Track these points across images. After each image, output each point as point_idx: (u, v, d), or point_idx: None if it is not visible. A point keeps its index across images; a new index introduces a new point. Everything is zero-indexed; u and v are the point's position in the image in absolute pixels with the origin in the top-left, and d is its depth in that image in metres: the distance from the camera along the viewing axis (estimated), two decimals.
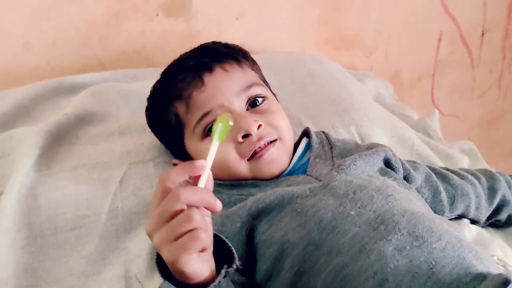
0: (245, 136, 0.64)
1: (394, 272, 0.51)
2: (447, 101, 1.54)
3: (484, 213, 0.76)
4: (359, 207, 0.58)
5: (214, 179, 0.66)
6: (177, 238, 0.42)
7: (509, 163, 1.69)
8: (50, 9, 1.00)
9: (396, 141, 0.88)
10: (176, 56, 0.74)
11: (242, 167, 0.65)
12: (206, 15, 1.13)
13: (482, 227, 0.78)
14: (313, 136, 0.72)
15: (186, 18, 1.11)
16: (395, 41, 1.38)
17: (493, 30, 1.47)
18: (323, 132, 0.75)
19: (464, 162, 0.93)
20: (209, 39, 0.75)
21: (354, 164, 0.65)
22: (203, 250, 0.44)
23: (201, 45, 0.72)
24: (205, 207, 0.45)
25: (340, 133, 0.83)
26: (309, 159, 0.69)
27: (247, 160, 0.65)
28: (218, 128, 0.47)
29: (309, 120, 0.85)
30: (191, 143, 0.68)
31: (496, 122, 1.64)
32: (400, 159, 0.72)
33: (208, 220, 0.46)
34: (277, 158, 0.66)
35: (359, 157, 0.66)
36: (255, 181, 0.66)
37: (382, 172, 0.67)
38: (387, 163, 0.69)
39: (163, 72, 0.73)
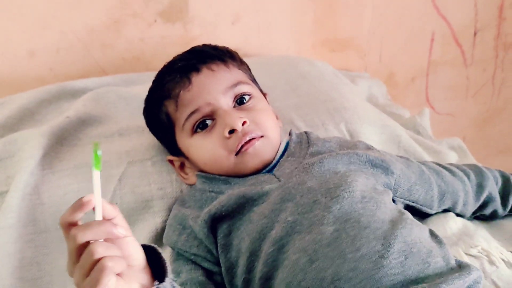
0: (232, 132, 0.66)
1: (300, 285, 0.52)
2: (441, 100, 1.56)
3: (470, 209, 0.78)
4: (298, 213, 0.59)
5: (199, 170, 0.69)
6: (87, 273, 0.43)
7: (505, 160, 1.70)
8: (53, 18, 1.03)
9: (385, 139, 0.91)
10: None
11: (230, 162, 0.67)
12: (203, 20, 1.16)
13: (468, 219, 0.80)
14: (293, 136, 0.74)
15: (183, 23, 1.15)
16: (388, 43, 1.41)
17: (485, 30, 1.49)
18: (306, 132, 0.76)
19: (452, 158, 0.95)
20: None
21: (320, 162, 0.65)
22: (119, 274, 0.45)
23: (191, 48, 0.76)
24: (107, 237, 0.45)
25: (330, 131, 0.86)
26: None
27: (235, 155, 0.67)
28: (92, 159, 0.46)
29: (300, 119, 0.88)
30: (182, 139, 0.72)
31: (491, 120, 1.66)
32: (391, 158, 0.71)
33: (125, 241, 0.47)
34: (261, 152, 0.68)
35: (330, 155, 0.67)
36: (228, 178, 0.68)
37: (355, 170, 0.66)
38: (374, 165, 0.68)
39: (156, 75, 0.76)
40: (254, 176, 0.68)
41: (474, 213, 0.80)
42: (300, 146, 0.72)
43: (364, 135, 0.88)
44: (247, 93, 0.71)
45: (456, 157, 0.96)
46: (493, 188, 0.79)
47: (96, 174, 0.47)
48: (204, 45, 0.77)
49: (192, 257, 0.65)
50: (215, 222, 0.63)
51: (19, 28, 1.02)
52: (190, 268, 0.64)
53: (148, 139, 0.82)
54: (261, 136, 0.68)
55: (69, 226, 0.46)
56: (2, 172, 0.75)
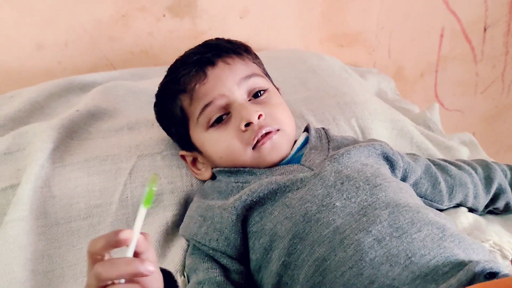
0: (247, 125, 0.66)
1: (370, 264, 0.52)
2: (450, 96, 1.56)
3: (482, 202, 0.78)
4: (344, 199, 0.59)
5: (215, 166, 0.68)
6: None
7: None
8: (61, 12, 1.03)
9: (396, 134, 0.90)
10: None
11: (247, 156, 0.67)
12: (211, 14, 1.16)
13: (481, 215, 0.80)
14: (312, 131, 0.74)
15: (192, 17, 1.14)
16: (397, 38, 1.40)
17: (495, 26, 1.48)
18: (323, 128, 0.77)
19: (463, 154, 0.94)
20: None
21: (348, 153, 0.66)
22: None
23: (204, 41, 0.75)
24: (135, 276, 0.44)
25: (341, 126, 0.86)
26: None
27: (252, 148, 0.67)
28: (145, 194, 0.45)
29: (310, 113, 0.88)
30: (196, 134, 0.71)
31: (500, 116, 1.65)
32: (399, 153, 0.73)
33: (150, 276, 0.45)
34: (279, 146, 0.68)
35: (354, 147, 0.67)
36: (252, 169, 0.68)
37: (377, 162, 0.68)
38: (386, 157, 0.70)
39: (169, 69, 0.76)
40: (281, 166, 0.67)
41: (487, 206, 0.80)
42: (320, 141, 0.72)
43: (375, 131, 0.88)
44: (262, 88, 0.71)
45: (468, 153, 0.95)
46: (502, 179, 0.79)
47: (143, 211, 0.45)
48: (217, 38, 0.76)
49: (211, 251, 0.64)
50: (245, 210, 0.62)
51: (27, 21, 1.02)
52: (207, 266, 0.63)
53: (158, 133, 0.82)
54: (278, 130, 0.68)
55: (95, 256, 0.45)
56: (13, 165, 0.75)
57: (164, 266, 0.69)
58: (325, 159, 0.66)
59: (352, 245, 0.54)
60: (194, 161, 0.75)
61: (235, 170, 0.69)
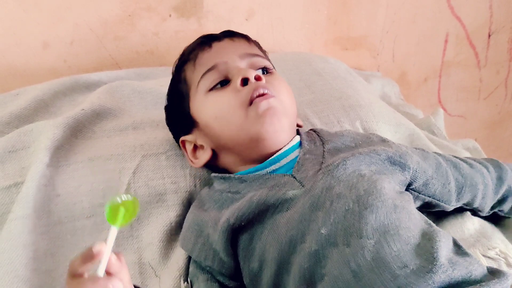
0: (245, 84, 0.65)
1: None
2: (453, 101, 1.55)
3: (489, 203, 0.75)
4: (331, 224, 0.55)
5: (213, 143, 0.68)
6: None
7: None
8: (68, 10, 1.03)
9: (399, 137, 0.90)
10: None
11: (242, 115, 0.64)
12: (217, 15, 1.16)
13: (484, 216, 0.78)
14: (303, 135, 0.70)
15: (198, 18, 1.15)
16: (401, 42, 1.40)
17: (500, 32, 1.48)
18: (313, 130, 0.74)
19: None
20: None
21: (344, 164, 0.61)
22: None
23: None
24: None
25: (346, 128, 0.86)
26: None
27: (249, 106, 0.64)
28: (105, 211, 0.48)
29: (316, 116, 0.88)
30: (195, 102, 0.70)
31: (503, 122, 1.65)
32: (407, 151, 0.68)
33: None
34: (277, 111, 0.64)
35: (352, 155, 0.63)
36: (242, 176, 0.66)
37: (379, 171, 0.63)
38: (393, 162, 0.65)
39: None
40: (272, 175, 0.64)
41: (492, 207, 0.77)
42: (314, 144, 0.68)
43: (380, 133, 0.87)
44: (268, 67, 0.71)
45: None
46: (511, 181, 0.76)
47: (114, 230, 0.48)
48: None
49: (208, 268, 0.63)
50: (234, 232, 0.60)
51: (33, 19, 1.02)
52: (206, 278, 0.63)
53: (163, 133, 0.82)
54: (275, 97, 0.65)
55: (74, 274, 0.48)
56: (17, 163, 0.75)
57: (167, 269, 0.70)
58: (319, 170, 0.62)
59: (331, 281, 0.51)
60: (195, 149, 0.73)
61: (227, 176, 0.67)
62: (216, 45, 0.70)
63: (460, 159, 0.76)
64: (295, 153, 0.66)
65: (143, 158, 0.78)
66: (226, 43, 0.71)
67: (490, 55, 1.51)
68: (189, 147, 0.74)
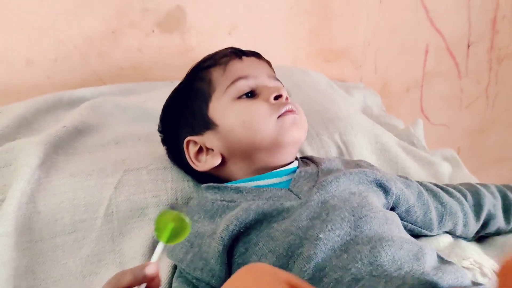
0: (276, 99, 0.70)
1: None
2: (436, 111, 1.58)
3: (471, 230, 0.78)
4: (328, 230, 0.57)
5: (226, 150, 0.70)
6: None
7: (499, 171, 1.72)
8: (51, 27, 1.04)
9: (378, 148, 0.92)
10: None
11: (271, 123, 0.68)
12: (200, 30, 1.17)
13: (470, 241, 0.80)
14: (299, 159, 0.75)
15: (181, 33, 1.16)
16: (383, 54, 1.43)
17: (479, 42, 1.52)
18: (306, 157, 0.78)
19: (445, 169, 0.96)
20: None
21: (337, 181, 0.66)
22: None
23: None
24: None
25: (324, 141, 0.87)
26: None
27: (277, 118, 0.68)
28: (169, 229, 0.47)
29: None
30: (219, 104, 0.71)
31: (485, 131, 1.68)
32: (392, 178, 0.72)
33: None
34: (300, 125, 0.70)
35: (344, 174, 0.67)
36: (239, 187, 0.67)
37: (367, 190, 0.67)
38: (379, 184, 0.70)
39: (195, 64, 0.78)
40: (269, 188, 0.66)
41: (477, 232, 0.80)
42: (309, 165, 0.73)
43: (358, 145, 0.89)
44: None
45: (450, 168, 0.97)
46: (491, 205, 0.79)
47: (161, 246, 0.49)
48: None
49: (194, 280, 0.63)
50: (231, 240, 0.61)
51: (17, 36, 1.02)
52: None
53: (144, 147, 0.83)
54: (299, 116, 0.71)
55: None
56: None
57: None
58: (313, 186, 0.65)
59: (331, 284, 0.53)
60: (199, 152, 0.73)
61: (222, 186, 0.69)
62: (246, 59, 0.74)
63: (440, 187, 0.79)
64: (293, 174, 0.70)
65: (125, 173, 0.78)
66: (254, 60, 0.75)
67: (470, 65, 1.54)
68: (194, 149, 0.73)
